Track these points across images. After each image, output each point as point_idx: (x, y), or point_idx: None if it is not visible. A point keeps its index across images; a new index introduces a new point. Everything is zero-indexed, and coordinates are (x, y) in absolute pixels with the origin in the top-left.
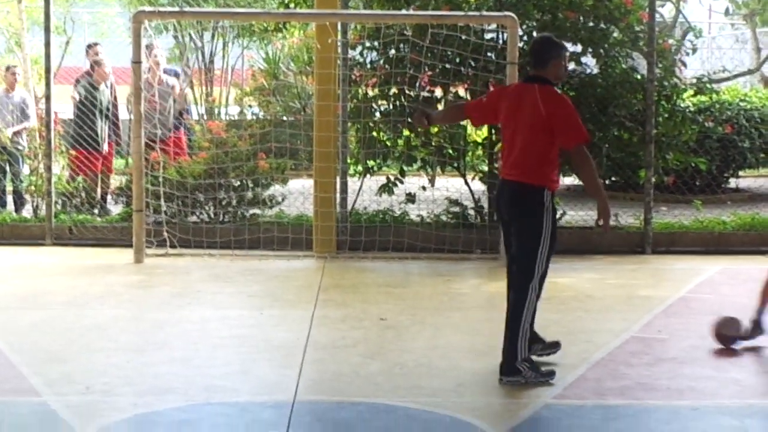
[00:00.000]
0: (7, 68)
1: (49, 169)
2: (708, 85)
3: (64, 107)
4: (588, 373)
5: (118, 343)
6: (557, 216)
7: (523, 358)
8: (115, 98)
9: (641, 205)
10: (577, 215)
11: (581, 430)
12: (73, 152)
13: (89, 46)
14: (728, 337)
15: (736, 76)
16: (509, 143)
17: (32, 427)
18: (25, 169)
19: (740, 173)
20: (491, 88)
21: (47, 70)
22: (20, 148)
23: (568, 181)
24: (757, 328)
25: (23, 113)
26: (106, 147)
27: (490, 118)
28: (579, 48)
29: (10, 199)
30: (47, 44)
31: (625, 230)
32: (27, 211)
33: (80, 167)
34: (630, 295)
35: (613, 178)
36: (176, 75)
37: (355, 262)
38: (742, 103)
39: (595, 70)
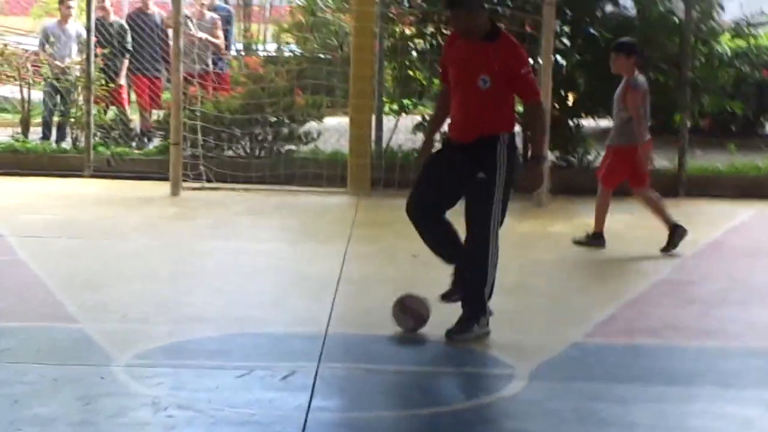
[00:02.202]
0: (62, 1)
1: (88, 101)
2: (746, 29)
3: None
4: (617, 313)
5: (154, 273)
6: None
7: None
8: (163, 31)
9: (676, 148)
10: None
11: (609, 368)
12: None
13: None
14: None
15: None
16: None
17: (69, 353)
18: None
19: None
20: (528, 29)
21: (88, 3)
22: (71, 80)
23: (604, 123)
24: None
25: (78, 46)
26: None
27: None
28: None
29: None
30: None
31: (659, 173)
32: (67, 143)
33: (117, 99)
34: (662, 236)
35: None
36: (228, 13)
37: (389, 199)
38: None
39: (633, 12)
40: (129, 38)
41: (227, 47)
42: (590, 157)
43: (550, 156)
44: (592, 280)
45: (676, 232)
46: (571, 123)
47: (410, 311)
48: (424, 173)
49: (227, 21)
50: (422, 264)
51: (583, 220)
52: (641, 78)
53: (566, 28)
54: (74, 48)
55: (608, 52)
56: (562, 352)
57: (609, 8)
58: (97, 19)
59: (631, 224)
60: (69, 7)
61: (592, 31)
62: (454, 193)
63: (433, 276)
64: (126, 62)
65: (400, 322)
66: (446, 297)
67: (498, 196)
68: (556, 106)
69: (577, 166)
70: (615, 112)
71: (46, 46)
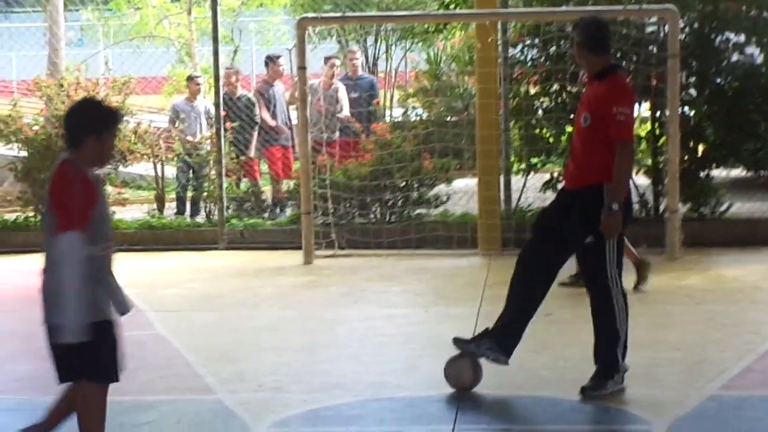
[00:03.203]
0: (190, 78)
1: (220, 175)
2: None
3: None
4: (754, 365)
5: (288, 342)
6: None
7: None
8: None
9: None
10: (744, 206)
11: (748, 422)
12: (249, 155)
13: (270, 59)
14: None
15: None
16: None
17: (208, 424)
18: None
19: None
20: (653, 82)
21: (216, 79)
22: (202, 155)
23: (735, 173)
24: None
25: (207, 122)
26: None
27: None
28: (742, 38)
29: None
30: (215, 53)
31: None
32: (201, 217)
33: (249, 171)
34: None
35: None
36: (371, 84)
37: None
38: None
39: (759, 60)
40: (257, 111)
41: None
42: (722, 208)
43: (682, 208)
44: (727, 333)
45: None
46: (701, 174)
47: (476, 373)
48: (538, 219)
49: (371, 88)
50: (554, 323)
51: (717, 272)
52: None
53: (692, 80)
54: (204, 123)
55: (736, 100)
56: (698, 407)
57: (735, 57)
58: (225, 94)
59: (766, 275)
60: (198, 84)
61: (719, 80)
62: (563, 245)
63: (567, 335)
64: (255, 134)
65: (464, 375)
66: (462, 342)
67: (610, 251)
68: (686, 158)
69: (708, 217)
70: None
71: (177, 123)
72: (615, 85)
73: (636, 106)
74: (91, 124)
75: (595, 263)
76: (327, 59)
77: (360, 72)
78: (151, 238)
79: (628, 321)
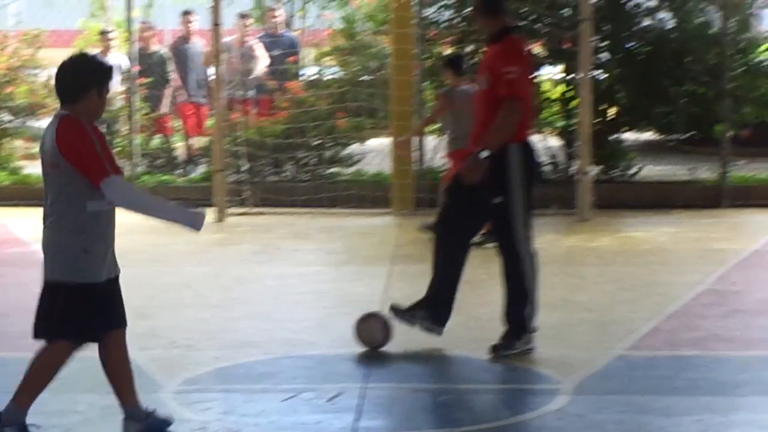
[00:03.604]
0: (102, 33)
1: (132, 131)
2: None
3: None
4: (662, 325)
5: (201, 299)
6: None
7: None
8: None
9: (718, 159)
10: (654, 169)
11: (654, 381)
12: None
13: (184, 14)
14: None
15: None
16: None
17: None
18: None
19: None
20: (566, 45)
21: (129, 33)
22: (114, 110)
23: (645, 136)
24: None
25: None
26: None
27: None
28: (654, 2)
29: None
30: (129, 8)
31: (702, 184)
32: None
33: (162, 128)
34: (705, 248)
35: (689, 133)
36: (292, 42)
37: (432, 218)
38: None
39: (671, 25)
40: (170, 67)
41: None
42: (632, 171)
43: (594, 169)
44: (636, 293)
45: None
46: (612, 137)
47: (386, 330)
48: (449, 192)
49: (291, 47)
50: (466, 282)
51: (627, 234)
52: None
53: (604, 43)
54: (117, 79)
55: (647, 64)
56: (607, 366)
57: (647, 21)
58: (139, 49)
59: (675, 237)
60: (109, 40)
61: (630, 45)
62: (474, 208)
63: (479, 294)
64: (167, 91)
65: (373, 334)
66: (398, 311)
67: (518, 211)
68: (598, 120)
69: (619, 180)
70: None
71: None
72: (507, 46)
73: (532, 68)
74: (91, 79)
75: (503, 224)
76: (242, 16)
77: (282, 30)
78: None
79: (538, 281)
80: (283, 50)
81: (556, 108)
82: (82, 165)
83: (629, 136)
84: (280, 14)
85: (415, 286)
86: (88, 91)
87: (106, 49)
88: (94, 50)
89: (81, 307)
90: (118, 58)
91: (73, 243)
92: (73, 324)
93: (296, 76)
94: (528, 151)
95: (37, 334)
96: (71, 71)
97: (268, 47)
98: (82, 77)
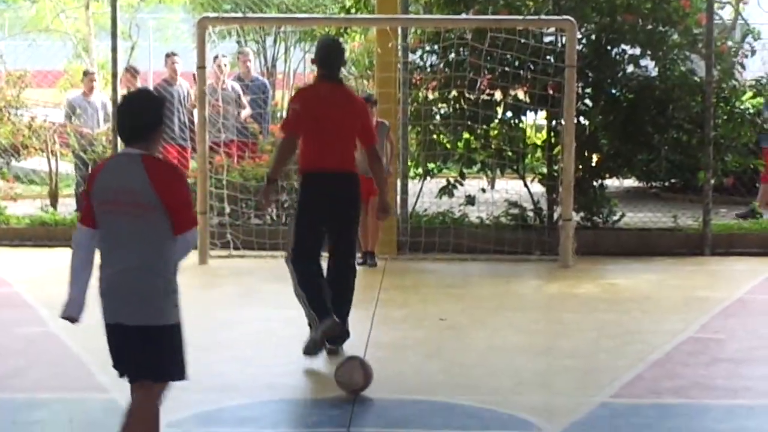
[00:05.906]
0: (85, 73)
1: None
2: (767, 87)
3: None
4: (645, 373)
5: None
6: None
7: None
8: (192, 104)
9: (700, 206)
10: (636, 216)
11: (637, 428)
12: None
13: (168, 56)
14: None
15: None
16: (333, 137)
17: (101, 423)
18: None
19: None
20: (550, 91)
21: (114, 75)
22: (98, 151)
23: (628, 183)
24: None
25: (105, 116)
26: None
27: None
28: (638, 51)
29: None
30: (114, 49)
31: (684, 232)
32: None
33: None
34: (688, 296)
35: (672, 180)
36: (264, 87)
37: (415, 263)
38: None
39: (654, 73)
40: None
41: (263, 117)
42: (615, 218)
43: (576, 217)
44: (619, 341)
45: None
46: (595, 183)
47: (366, 373)
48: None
49: (263, 92)
50: (449, 327)
51: (609, 281)
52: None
53: (588, 90)
54: (101, 118)
55: (631, 112)
56: (590, 413)
57: (630, 69)
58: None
59: (657, 285)
60: (92, 80)
61: (614, 92)
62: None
63: (461, 340)
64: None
65: (353, 379)
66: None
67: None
68: (581, 167)
69: (601, 226)
70: None
71: (73, 118)
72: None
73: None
74: (159, 115)
75: None
76: (215, 58)
77: (253, 74)
78: (44, 234)
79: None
80: (254, 95)
81: (539, 154)
82: (176, 209)
83: (612, 182)
84: (251, 59)
85: (399, 330)
86: (157, 127)
87: (89, 90)
88: (75, 91)
89: (182, 346)
90: (101, 97)
91: (166, 286)
92: (182, 363)
93: (280, 119)
94: (306, 180)
95: (141, 375)
96: (140, 109)
97: (242, 91)
98: (151, 115)
